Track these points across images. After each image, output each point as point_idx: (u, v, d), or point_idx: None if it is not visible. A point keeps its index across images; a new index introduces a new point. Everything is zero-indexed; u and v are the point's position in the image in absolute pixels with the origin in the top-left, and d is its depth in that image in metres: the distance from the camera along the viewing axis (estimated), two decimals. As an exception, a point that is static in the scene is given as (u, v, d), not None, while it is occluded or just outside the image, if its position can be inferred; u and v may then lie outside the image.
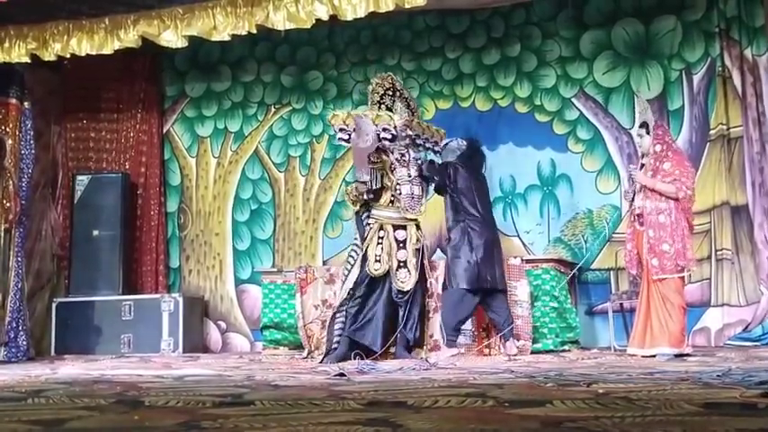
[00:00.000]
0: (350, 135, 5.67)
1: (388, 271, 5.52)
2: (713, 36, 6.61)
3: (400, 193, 5.61)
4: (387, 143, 5.60)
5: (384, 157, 5.68)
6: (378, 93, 5.91)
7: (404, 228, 5.62)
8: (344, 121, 5.69)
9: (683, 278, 5.14)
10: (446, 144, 5.90)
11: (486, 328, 5.79)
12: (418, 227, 5.70)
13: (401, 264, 5.54)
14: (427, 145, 5.91)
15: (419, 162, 5.77)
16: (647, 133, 5.24)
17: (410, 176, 5.63)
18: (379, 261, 5.52)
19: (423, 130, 5.85)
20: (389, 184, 5.65)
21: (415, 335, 5.58)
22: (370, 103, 6.00)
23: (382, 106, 5.84)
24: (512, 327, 5.53)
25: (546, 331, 5.79)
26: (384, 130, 5.55)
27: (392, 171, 5.66)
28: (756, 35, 6.41)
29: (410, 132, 5.64)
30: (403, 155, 5.69)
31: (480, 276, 5.45)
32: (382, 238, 5.57)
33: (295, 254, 7.69)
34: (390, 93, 5.94)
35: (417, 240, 5.62)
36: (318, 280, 6.26)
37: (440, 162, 5.87)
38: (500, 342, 5.61)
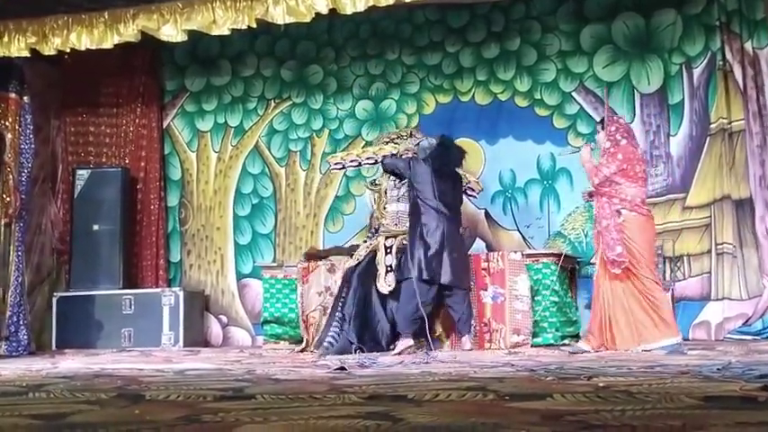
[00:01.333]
0: (344, 165, 6.45)
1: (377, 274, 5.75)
2: (714, 30, 6.59)
3: (387, 211, 6.07)
4: (387, 161, 6.19)
5: (382, 181, 6.26)
6: (389, 137, 6.64)
7: (394, 236, 5.88)
8: (342, 158, 6.49)
9: (633, 272, 5.04)
10: (418, 143, 6.08)
11: (488, 323, 5.80)
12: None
13: (388, 269, 5.71)
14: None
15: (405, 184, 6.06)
16: (602, 129, 5.30)
17: (398, 195, 6.04)
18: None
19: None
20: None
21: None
22: (376, 142, 6.79)
23: (389, 143, 6.42)
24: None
25: (546, 325, 5.80)
26: (384, 156, 6.24)
27: (385, 193, 6.17)
28: (757, 28, 6.39)
29: (410, 155, 6.05)
30: (401, 176, 6.07)
31: (432, 270, 5.53)
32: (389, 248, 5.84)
33: (296, 248, 7.68)
34: (405, 137, 6.51)
35: (402, 243, 5.81)
36: (320, 267, 6.30)
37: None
38: (456, 336, 5.75)
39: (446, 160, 5.94)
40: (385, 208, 6.11)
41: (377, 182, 6.36)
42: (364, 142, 7.42)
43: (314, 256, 6.63)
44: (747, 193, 6.35)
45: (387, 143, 6.43)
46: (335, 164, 6.49)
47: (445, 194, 5.78)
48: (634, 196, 5.11)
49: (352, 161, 6.39)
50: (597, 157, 5.36)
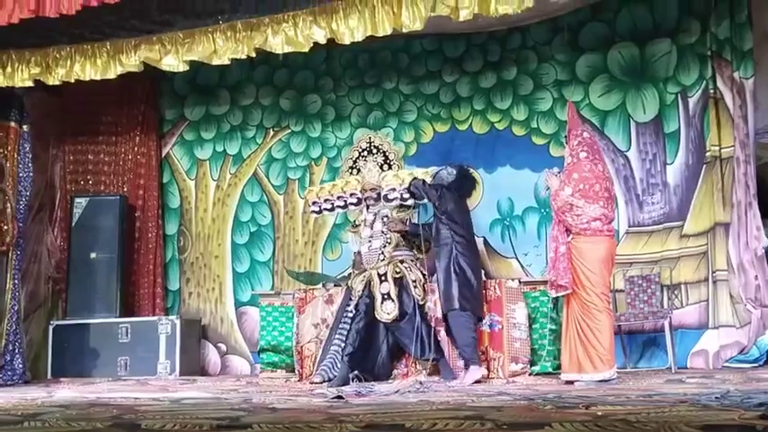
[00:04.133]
0: (320, 207, 6.41)
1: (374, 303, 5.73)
2: (707, 59, 6.65)
3: (362, 253, 6.02)
4: (353, 207, 6.29)
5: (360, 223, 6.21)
6: (352, 158, 6.52)
7: (385, 264, 5.86)
8: (317, 195, 6.43)
9: (575, 297, 4.92)
10: (436, 173, 6.06)
11: (485, 352, 5.77)
12: (401, 260, 5.88)
13: (385, 296, 5.69)
14: (395, 196, 6.08)
15: (386, 216, 6.03)
16: (567, 144, 5.22)
17: (371, 234, 6.00)
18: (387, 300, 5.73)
19: (402, 181, 6.06)
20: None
21: (435, 353, 5.64)
22: (341, 171, 6.69)
23: (353, 171, 6.41)
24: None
25: (544, 353, 5.78)
26: (351, 195, 6.24)
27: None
28: (744, 58, 6.46)
29: (370, 194, 6.10)
30: (374, 214, 6.08)
31: (472, 301, 5.54)
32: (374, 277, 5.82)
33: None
34: (365, 153, 6.45)
35: (396, 272, 5.79)
36: (318, 299, 6.28)
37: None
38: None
39: (466, 191, 6.03)
40: (360, 250, 6.08)
41: (356, 222, 6.34)
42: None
43: (293, 274, 6.61)
44: (732, 219, 6.33)
45: (350, 172, 6.43)
46: (313, 203, 6.47)
47: (469, 225, 5.85)
48: (591, 218, 4.90)
49: (326, 201, 6.36)
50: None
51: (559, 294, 4.97)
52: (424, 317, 5.71)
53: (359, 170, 6.38)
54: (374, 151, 6.41)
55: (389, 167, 6.31)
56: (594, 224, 4.91)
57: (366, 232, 6.04)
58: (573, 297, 4.92)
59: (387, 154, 6.41)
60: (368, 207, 6.16)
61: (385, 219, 6.01)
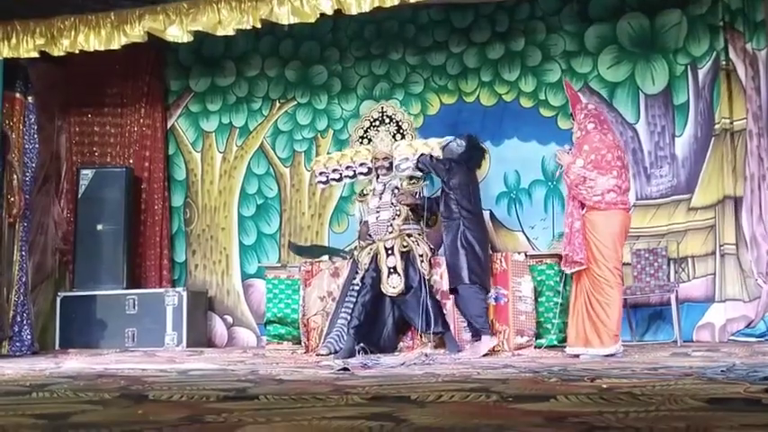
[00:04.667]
0: (327, 177, 6.30)
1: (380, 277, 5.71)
2: (718, 30, 6.57)
3: (370, 224, 5.96)
4: (362, 177, 6.20)
5: (368, 192, 6.13)
6: (363, 127, 6.42)
7: (393, 239, 5.82)
8: (324, 165, 6.31)
9: (586, 271, 4.83)
10: (446, 145, 5.96)
11: (491, 325, 5.77)
12: (409, 234, 5.85)
13: (391, 270, 5.66)
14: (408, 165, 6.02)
15: (396, 188, 5.97)
16: (574, 120, 5.10)
17: (378, 205, 5.94)
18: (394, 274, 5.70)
19: (416, 150, 5.97)
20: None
21: (440, 326, 5.65)
22: (353, 138, 6.55)
23: (364, 141, 6.31)
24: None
25: (550, 327, 5.78)
26: (361, 164, 6.13)
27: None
28: (757, 29, 6.38)
29: (382, 163, 6.01)
30: (384, 184, 6.02)
31: (480, 274, 5.53)
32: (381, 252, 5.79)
33: (301, 249, 7.69)
34: (377, 123, 6.35)
35: (404, 245, 5.76)
36: (324, 272, 6.28)
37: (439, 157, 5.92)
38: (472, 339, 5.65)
39: (475, 162, 5.97)
40: (369, 220, 6.00)
41: (364, 192, 6.24)
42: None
43: (297, 248, 6.60)
44: (744, 193, 6.31)
45: (360, 142, 6.34)
46: (320, 174, 6.35)
47: (478, 197, 5.80)
48: (605, 189, 4.78)
49: (334, 171, 6.25)
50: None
51: (573, 270, 4.89)
52: (430, 290, 5.72)
53: (369, 140, 6.29)
54: (386, 121, 6.33)
55: (402, 137, 6.23)
56: (609, 196, 4.79)
57: (374, 202, 5.99)
58: (584, 271, 4.86)
59: (400, 123, 6.32)
60: (378, 177, 6.09)
61: (395, 190, 5.96)
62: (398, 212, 5.89)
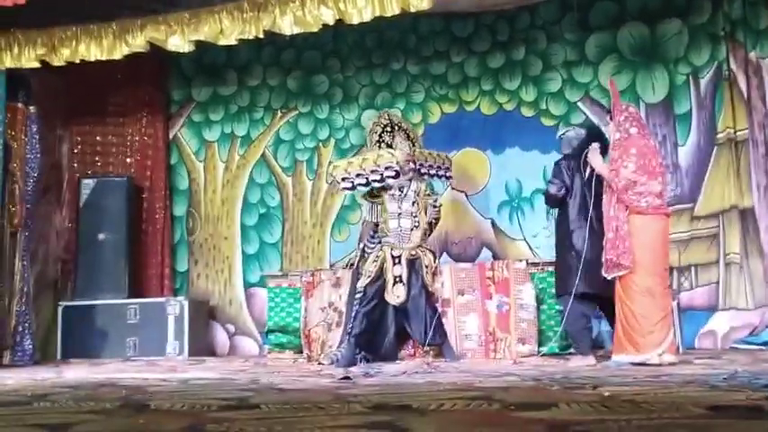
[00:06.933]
0: (353, 183, 5.96)
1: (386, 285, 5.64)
2: (719, 39, 6.59)
3: (389, 228, 5.79)
4: (391, 180, 5.84)
5: (384, 193, 5.91)
6: (376, 132, 6.24)
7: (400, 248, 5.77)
8: (346, 170, 5.98)
9: (621, 277, 4.64)
10: (564, 133, 5.53)
11: (493, 333, 5.77)
12: (419, 245, 5.78)
13: (397, 279, 5.64)
14: (432, 172, 6.03)
15: (416, 193, 5.84)
16: (611, 120, 4.89)
17: (399, 211, 5.79)
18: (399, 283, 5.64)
19: (425, 158, 5.98)
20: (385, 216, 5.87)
21: (437, 337, 5.61)
22: (369, 144, 6.35)
23: (382, 144, 6.13)
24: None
25: (551, 335, 5.78)
26: (387, 168, 5.80)
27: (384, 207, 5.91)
28: (760, 37, 6.39)
29: (412, 166, 5.83)
30: (402, 188, 5.86)
31: (591, 283, 4.91)
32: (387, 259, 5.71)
33: (303, 257, 7.70)
34: (389, 129, 6.23)
35: (412, 254, 5.71)
36: (325, 282, 6.26)
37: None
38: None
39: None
40: (386, 222, 5.85)
41: (376, 192, 6.01)
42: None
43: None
44: (751, 203, 6.33)
45: (379, 144, 6.14)
46: (343, 179, 6.02)
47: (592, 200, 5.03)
48: (653, 194, 4.62)
49: (358, 176, 5.95)
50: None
51: (613, 275, 4.66)
52: (429, 299, 5.70)
53: (388, 144, 6.12)
54: (395, 128, 6.23)
55: (413, 145, 6.16)
56: (655, 201, 4.64)
57: (392, 207, 5.82)
58: (619, 277, 4.67)
59: (408, 132, 6.27)
60: (409, 180, 5.84)
61: (416, 197, 5.81)
62: (417, 224, 5.78)
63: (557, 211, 5.21)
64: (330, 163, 7.55)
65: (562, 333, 5.43)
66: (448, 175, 6.15)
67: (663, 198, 4.75)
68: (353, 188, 6.08)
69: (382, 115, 6.42)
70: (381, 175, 5.85)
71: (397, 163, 5.78)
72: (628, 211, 4.68)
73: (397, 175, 5.81)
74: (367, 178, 5.92)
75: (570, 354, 5.36)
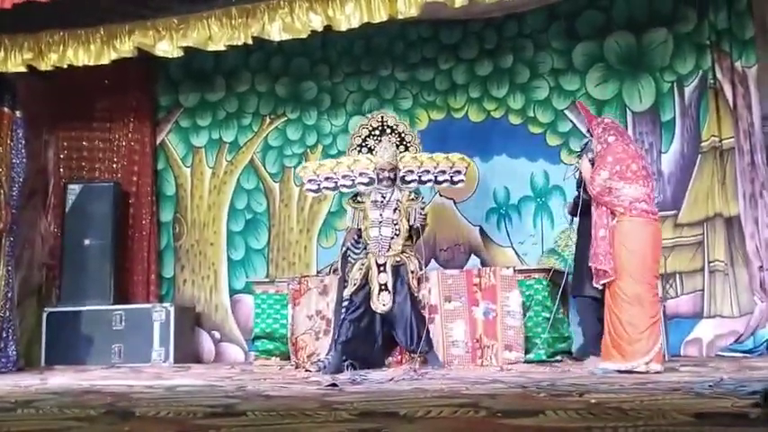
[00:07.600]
0: (319, 185, 6.02)
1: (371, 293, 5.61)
2: (704, 48, 6.65)
3: (369, 236, 5.74)
4: (362, 187, 5.86)
5: (366, 199, 5.86)
6: (360, 136, 6.23)
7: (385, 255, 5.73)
8: (314, 172, 6.02)
9: (609, 284, 4.68)
10: (586, 144, 5.36)
11: (479, 339, 5.77)
12: (403, 251, 5.74)
13: (382, 287, 5.62)
14: (424, 178, 5.94)
15: (398, 201, 5.77)
16: (591, 137, 5.02)
17: (381, 219, 5.71)
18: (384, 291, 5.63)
19: (418, 164, 5.92)
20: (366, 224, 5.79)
21: (424, 345, 5.59)
22: (348, 147, 6.33)
23: (363, 149, 6.09)
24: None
25: (538, 342, 5.78)
26: (361, 174, 5.85)
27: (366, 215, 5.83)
28: (746, 47, 6.45)
29: (388, 174, 5.75)
30: (384, 196, 5.79)
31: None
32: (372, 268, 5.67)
33: (289, 264, 7.68)
34: (377, 132, 6.17)
35: (397, 260, 5.69)
36: (312, 290, 6.23)
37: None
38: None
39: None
40: (366, 230, 5.77)
41: (359, 199, 5.93)
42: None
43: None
44: (737, 211, 6.37)
45: (359, 150, 6.13)
46: (309, 181, 6.05)
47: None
48: (634, 198, 4.66)
49: (327, 179, 5.96)
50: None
51: (602, 282, 4.69)
52: (415, 305, 5.69)
53: (369, 149, 6.10)
54: (387, 131, 6.19)
55: (406, 149, 6.11)
56: (640, 205, 4.67)
57: (374, 215, 5.75)
58: (607, 284, 4.70)
59: (403, 135, 6.21)
60: (384, 187, 5.79)
61: (398, 204, 5.75)
62: (398, 231, 5.73)
63: (577, 219, 5.33)
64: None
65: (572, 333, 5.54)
66: (455, 179, 5.99)
67: (650, 202, 4.76)
68: (318, 191, 6.17)
69: (374, 117, 6.39)
70: (353, 180, 5.89)
71: (376, 170, 5.79)
72: (615, 218, 4.72)
73: (369, 183, 5.85)
74: (336, 182, 5.97)
75: (560, 361, 5.43)
